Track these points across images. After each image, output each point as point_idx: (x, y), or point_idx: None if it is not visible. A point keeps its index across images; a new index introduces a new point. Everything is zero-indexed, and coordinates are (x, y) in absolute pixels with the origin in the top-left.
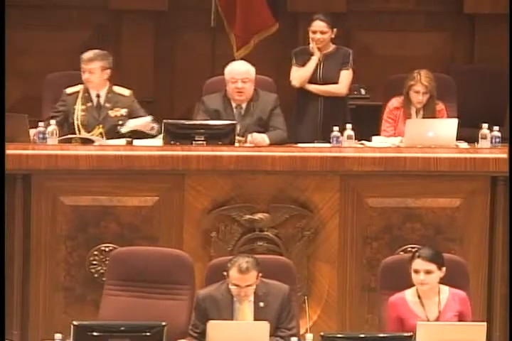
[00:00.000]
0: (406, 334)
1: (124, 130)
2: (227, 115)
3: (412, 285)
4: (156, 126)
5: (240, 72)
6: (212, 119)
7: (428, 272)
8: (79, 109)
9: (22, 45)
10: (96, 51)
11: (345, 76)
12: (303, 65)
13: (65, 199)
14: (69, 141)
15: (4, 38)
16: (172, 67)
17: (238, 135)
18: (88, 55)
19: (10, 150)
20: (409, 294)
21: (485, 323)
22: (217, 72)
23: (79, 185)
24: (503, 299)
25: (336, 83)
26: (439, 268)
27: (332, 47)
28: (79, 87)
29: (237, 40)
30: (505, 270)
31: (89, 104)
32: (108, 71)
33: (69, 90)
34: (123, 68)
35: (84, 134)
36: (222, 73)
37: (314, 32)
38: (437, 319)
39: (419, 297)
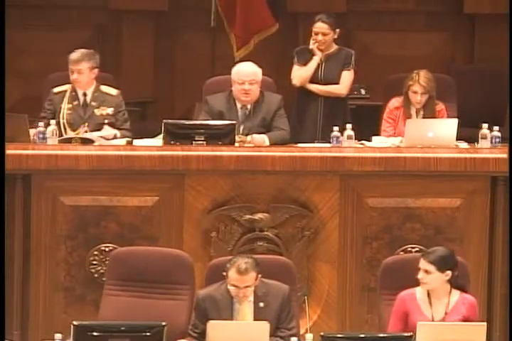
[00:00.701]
0: (406, 334)
1: (86, 136)
2: (231, 115)
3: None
4: (118, 132)
5: (247, 73)
6: (215, 120)
7: (426, 272)
8: (65, 107)
9: (22, 45)
10: (83, 51)
11: (347, 77)
12: (304, 64)
13: (65, 199)
14: (69, 141)
15: (4, 38)
16: (172, 67)
17: (242, 135)
18: (76, 55)
19: (10, 150)
20: (419, 291)
21: (485, 323)
22: (217, 72)
23: (79, 185)
24: (503, 299)
25: (337, 83)
26: (441, 271)
27: (334, 47)
28: (66, 87)
29: (237, 40)
30: (505, 270)
31: (76, 103)
32: (96, 70)
33: (56, 89)
34: (123, 68)
35: (70, 133)
36: (223, 73)
37: (316, 33)
38: (442, 320)
39: (428, 296)
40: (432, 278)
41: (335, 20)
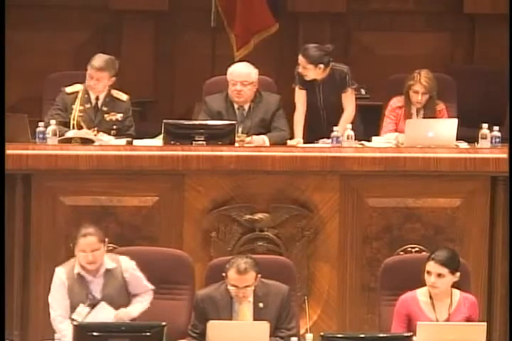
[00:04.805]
0: (406, 334)
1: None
2: (229, 116)
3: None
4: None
5: (240, 74)
6: (214, 120)
7: (439, 275)
8: (77, 109)
9: (22, 45)
10: (106, 58)
11: (350, 98)
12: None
13: (65, 199)
14: (69, 141)
15: (4, 38)
16: (172, 67)
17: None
18: (99, 62)
19: (10, 150)
20: (421, 294)
21: (485, 323)
22: (217, 72)
23: (79, 185)
24: (503, 299)
25: (337, 107)
26: (452, 273)
27: (326, 73)
28: (78, 88)
29: (237, 40)
30: (505, 270)
31: (88, 106)
32: (114, 78)
33: (69, 89)
34: (123, 68)
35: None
36: (222, 73)
37: (298, 64)
38: (446, 321)
39: (430, 298)
40: (444, 281)
41: (323, 54)
